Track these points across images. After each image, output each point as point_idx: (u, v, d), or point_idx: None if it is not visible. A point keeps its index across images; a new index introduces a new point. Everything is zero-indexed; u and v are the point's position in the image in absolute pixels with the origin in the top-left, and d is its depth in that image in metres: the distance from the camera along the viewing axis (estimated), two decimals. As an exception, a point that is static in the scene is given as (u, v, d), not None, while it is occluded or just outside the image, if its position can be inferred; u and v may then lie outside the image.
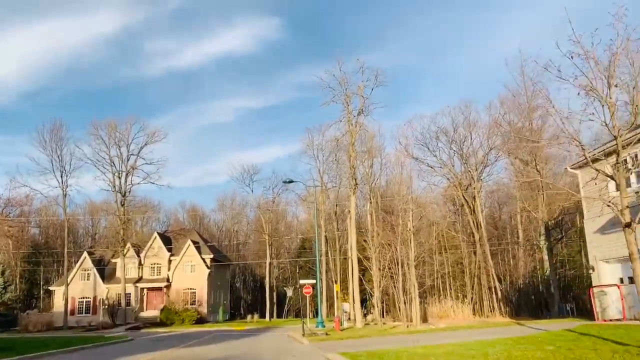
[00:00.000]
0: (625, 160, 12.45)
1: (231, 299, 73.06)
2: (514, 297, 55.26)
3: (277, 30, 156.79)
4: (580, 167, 24.72)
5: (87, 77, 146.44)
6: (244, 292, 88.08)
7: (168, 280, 58.92)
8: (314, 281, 36.82)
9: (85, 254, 60.58)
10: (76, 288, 57.60)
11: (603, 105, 11.28)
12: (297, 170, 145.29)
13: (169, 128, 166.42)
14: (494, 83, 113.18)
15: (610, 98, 11.29)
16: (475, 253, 53.11)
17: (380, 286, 40.54)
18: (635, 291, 22.55)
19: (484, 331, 23.58)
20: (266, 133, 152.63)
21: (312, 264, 70.20)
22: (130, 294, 57.30)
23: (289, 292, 47.46)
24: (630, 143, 15.46)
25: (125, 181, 56.62)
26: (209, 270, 59.45)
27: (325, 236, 61.18)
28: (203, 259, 59.96)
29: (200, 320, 53.87)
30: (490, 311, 49.04)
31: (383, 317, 47.99)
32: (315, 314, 49.57)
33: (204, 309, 57.47)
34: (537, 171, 37.94)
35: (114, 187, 56.20)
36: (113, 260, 60.30)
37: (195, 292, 58.60)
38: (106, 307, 54.20)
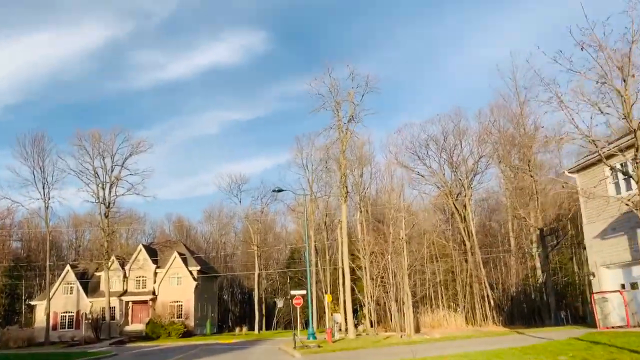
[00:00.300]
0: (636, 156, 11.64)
1: (219, 312, 71.63)
2: (506, 306, 54.64)
3: (264, 42, 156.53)
4: (578, 170, 24.07)
5: (72, 91, 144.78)
6: (232, 304, 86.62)
7: (154, 293, 57.46)
8: (305, 292, 35.85)
9: (68, 267, 58.96)
10: (59, 302, 55.95)
11: (621, 98, 10.50)
12: (286, 180, 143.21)
13: (155, 140, 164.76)
14: (484, 91, 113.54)
15: (627, 90, 10.54)
16: (466, 261, 52.46)
17: (373, 296, 39.64)
18: (639, 297, 21.94)
19: (483, 341, 22.73)
20: (254, 145, 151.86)
21: (302, 275, 69.14)
22: (114, 307, 55.74)
23: (280, 303, 46.43)
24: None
25: (110, 192, 55.30)
26: (195, 283, 58.09)
27: (315, 246, 60.21)
28: (190, 271, 58.60)
29: (187, 334, 52.51)
30: (483, 320, 48.36)
31: (374, 327, 47.12)
32: (306, 325, 48.54)
33: (191, 322, 56.06)
34: (532, 176, 37.34)
35: (98, 198, 54.82)
36: (97, 274, 58.75)
37: (181, 305, 57.19)
38: (89, 321, 52.70)
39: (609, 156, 13.80)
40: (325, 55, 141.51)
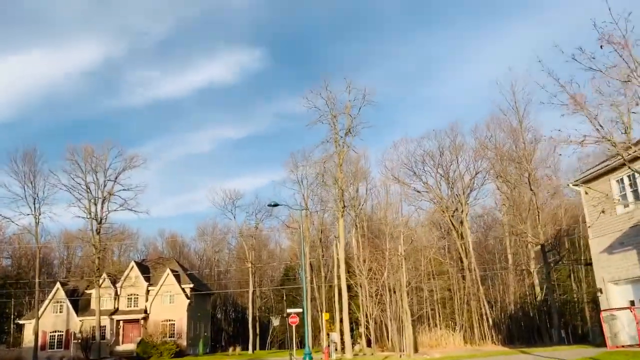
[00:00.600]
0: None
1: (212, 331, 70.18)
2: (504, 324, 53.70)
3: (259, 61, 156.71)
4: (584, 182, 23.46)
5: (65, 108, 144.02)
6: (226, 323, 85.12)
7: (146, 311, 56.13)
8: (301, 310, 34.86)
9: (58, 284, 57.58)
10: (48, 321, 54.58)
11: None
12: (281, 196, 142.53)
13: (150, 157, 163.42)
14: (480, 106, 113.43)
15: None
16: (464, 278, 51.65)
17: (371, 314, 38.73)
18: (651, 314, 21.17)
19: (488, 361, 21.88)
20: (248, 162, 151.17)
21: (297, 293, 68.00)
22: (105, 326, 54.36)
23: (275, 322, 45.39)
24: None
25: (102, 208, 54.25)
26: (188, 301, 56.82)
27: (310, 263, 59.22)
28: (183, 289, 57.34)
29: (180, 354, 51.22)
30: (482, 339, 47.44)
31: (370, 346, 46.08)
32: (301, 344, 47.43)
33: (183, 342, 54.72)
34: (532, 189, 36.78)
35: (90, 214, 53.71)
36: (88, 291, 57.40)
37: (174, 324, 55.87)
38: (79, 341, 51.36)
39: (633, 159, 13.16)
40: (321, 72, 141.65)
